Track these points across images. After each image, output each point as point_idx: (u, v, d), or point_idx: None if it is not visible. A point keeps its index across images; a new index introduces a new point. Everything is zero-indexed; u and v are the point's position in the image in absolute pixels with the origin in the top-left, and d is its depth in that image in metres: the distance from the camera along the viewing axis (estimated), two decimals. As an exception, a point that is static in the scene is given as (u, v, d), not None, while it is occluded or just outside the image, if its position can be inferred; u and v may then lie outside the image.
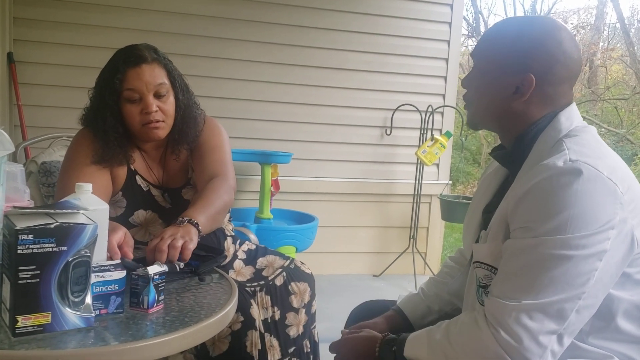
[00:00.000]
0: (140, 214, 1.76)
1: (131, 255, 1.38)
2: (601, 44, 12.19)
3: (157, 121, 1.67)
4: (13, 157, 2.43)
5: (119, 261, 1.23)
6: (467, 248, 1.42)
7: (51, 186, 2.04)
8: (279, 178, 3.77)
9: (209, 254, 1.57)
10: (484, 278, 1.22)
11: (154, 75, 1.66)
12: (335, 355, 1.42)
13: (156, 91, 1.67)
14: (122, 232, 1.39)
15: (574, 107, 1.22)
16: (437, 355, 1.15)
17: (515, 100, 1.20)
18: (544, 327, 1.03)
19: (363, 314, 1.60)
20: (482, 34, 11.95)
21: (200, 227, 1.49)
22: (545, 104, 1.20)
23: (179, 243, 1.39)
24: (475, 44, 1.30)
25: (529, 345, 1.03)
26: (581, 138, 1.14)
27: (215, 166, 1.76)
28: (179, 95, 1.74)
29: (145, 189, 1.78)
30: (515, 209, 1.10)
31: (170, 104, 1.71)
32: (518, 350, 1.03)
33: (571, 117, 1.20)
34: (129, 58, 1.65)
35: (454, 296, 1.48)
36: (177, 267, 1.39)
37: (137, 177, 1.77)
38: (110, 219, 1.34)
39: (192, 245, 1.42)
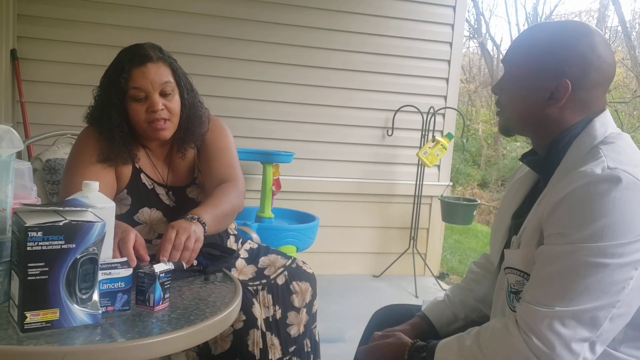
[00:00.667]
0: (145, 212, 1.77)
1: (147, 258, 1.41)
2: (602, 46, 12.16)
3: (164, 120, 1.68)
4: (17, 155, 2.44)
5: (125, 259, 1.24)
6: (495, 253, 1.41)
7: (56, 183, 2.05)
8: (280, 177, 3.78)
9: (222, 254, 1.59)
10: (515, 284, 1.22)
11: (160, 74, 1.67)
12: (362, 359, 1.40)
13: (162, 89, 1.68)
14: (133, 235, 1.41)
15: (607, 113, 1.21)
16: None
17: (550, 106, 1.19)
18: (577, 334, 1.03)
19: (385, 317, 1.60)
20: (481, 32, 11.86)
21: (206, 228, 1.52)
22: (580, 110, 1.19)
23: (192, 243, 1.42)
24: (507, 50, 1.30)
25: (561, 352, 1.03)
26: (617, 145, 1.14)
27: (225, 170, 1.78)
28: (184, 94, 1.75)
29: (150, 187, 1.79)
30: (550, 215, 1.10)
31: (175, 102, 1.72)
32: (550, 357, 1.03)
33: (606, 123, 1.19)
34: (135, 57, 1.66)
35: (480, 302, 1.47)
36: (184, 265, 1.41)
37: (142, 175, 1.78)
38: (115, 216, 1.35)
39: (199, 246, 1.45)
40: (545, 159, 1.24)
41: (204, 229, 1.50)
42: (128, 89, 1.66)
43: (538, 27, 1.26)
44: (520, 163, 1.40)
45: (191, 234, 1.43)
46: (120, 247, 1.36)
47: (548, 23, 1.27)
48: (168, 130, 1.71)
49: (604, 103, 1.22)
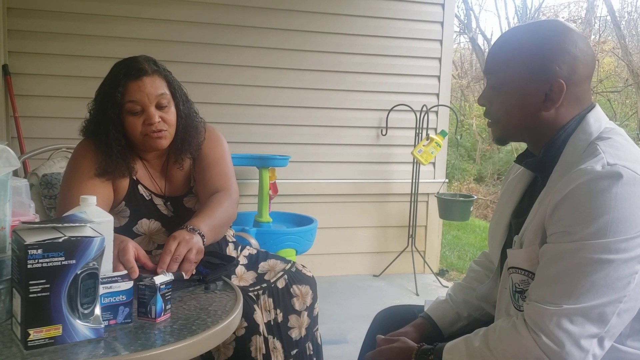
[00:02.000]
0: (144, 223, 1.78)
1: (151, 265, 1.42)
2: (592, 37, 12.23)
3: (160, 131, 1.70)
4: (13, 171, 2.44)
5: (125, 272, 1.25)
6: (494, 252, 1.42)
7: (53, 198, 2.05)
8: (277, 181, 3.79)
9: (222, 262, 1.60)
10: (520, 283, 1.22)
11: (155, 87, 1.69)
12: None
13: (158, 102, 1.69)
14: (131, 245, 1.42)
15: (598, 108, 1.22)
16: None
17: (547, 109, 1.20)
18: (586, 331, 1.04)
19: (387, 319, 1.60)
20: (471, 27, 11.85)
21: (205, 240, 1.54)
22: (573, 106, 1.20)
23: (193, 255, 1.45)
24: (485, 61, 1.30)
25: (571, 349, 1.04)
26: (614, 141, 1.14)
27: (219, 179, 1.79)
28: (179, 105, 1.77)
29: (147, 198, 1.80)
30: (553, 213, 1.10)
31: (172, 113, 1.73)
32: (560, 355, 1.04)
33: (599, 118, 1.20)
34: (130, 71, 1.67)
35: (482, 301, 1.48)
36: (184, 275, 1.42)
37: (140, 187, 1.79)
38: (115, 229, 1.36)
39: (200, 257, 1.49)
40: (543, 160, 1.24)
41: (203, 241, 1.52)
42: (124, 103, 1.67)
43: (514, 33, 1.26)
44: (513, 162, 1.41)
45: (193, 246, 1.45)
46: (120, 258, 1.37)
47: (522, 27, 1.27)
48: (165, 139, 1.73)
49: (590, 94, 1.24)
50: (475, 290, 1.50)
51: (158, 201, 1.81)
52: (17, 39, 3.54)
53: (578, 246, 1.05)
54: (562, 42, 1.17)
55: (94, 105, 1.74)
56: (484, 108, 1.31)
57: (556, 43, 1.17)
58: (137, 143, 1.73)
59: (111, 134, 1.68)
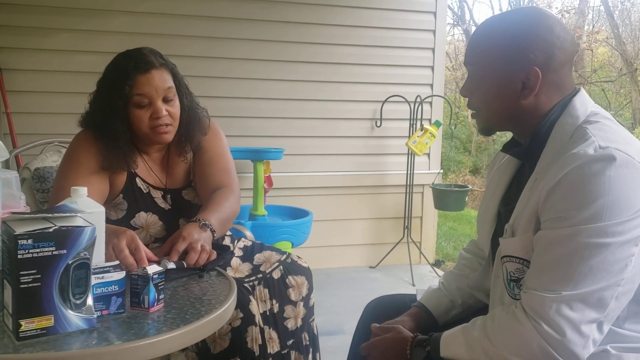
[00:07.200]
0: (141, 216, 1.77)
1: (154, 256, 1.43)
2: (586, 27, 12.25)
3: (166, 125, 1.69)
4: (5, 166, 2.43)
5: (117, 262, 1.24)
6: (483, 241, 1.42)
7: (45, 192, 2.04)
8: (271, 174, 3.79)
9: (218, 252, 1.61)
10: (515, 271, 1.21)
11: (163, 80, 1.68)
12: (365, 356, 1.40)
13: (165, 95, 1.69)
14: (137, 238, 1.43)
15: (583, 91, 1.22)
16: (477, 353, 1.15)
17: (525, 97, 1.19)
18: (585, 316, 1.03)
19: (378, 309, 1.60)
20: (465, 19, 11.86)
21: (215, 234, 1.57)
22: (553, 92, 1.20)
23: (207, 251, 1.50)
24: (465, 51, 1.30)
25: (572, 336, 1.03)
26: (602, 124, 1.14)
27: (221, 176, 1.80)
28: (183, 98, 1.77)
29: (145, 191, 1.79)
30: (546, 199, 1.10)
31: (177, 107, 1.73)
32: (561, 342, 1.04)
33: (585, 102, 1.20)
34: (139, 64, 1.66)
35: (474, 289, 1.47)
36: (184, 264, 1.43)
37: (137, 180, 1.78)
38: (112, 222, 1.35)
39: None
40: (530, 147, 1.24)
41: (213, 236, 1.52)
42: (132, 96, 1.66)
43: (491, 22, 1.26)
44: (498, 151, 1.40)
45: (205, 246, 1.50)
46: (135, 256, 1.39)
47: (499, 16, 1.27)
48: (170, 133, 1.73)
49: (572, 79, 1.23)
50: (468, 278, 1.50)
51: (156, 194, 1.80)
52: (8, 34, 3.51)
53: (574, 231, 1.04)
54: (536, 29, 1.16)
55: (98, 97, 1.73)
56: (467, 99, 1.31)
57: (530, 31, 1.16)
58: (142, 136, 1.73)
59: (117, 126, 1.67)
